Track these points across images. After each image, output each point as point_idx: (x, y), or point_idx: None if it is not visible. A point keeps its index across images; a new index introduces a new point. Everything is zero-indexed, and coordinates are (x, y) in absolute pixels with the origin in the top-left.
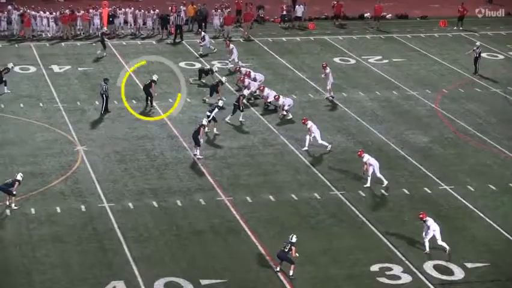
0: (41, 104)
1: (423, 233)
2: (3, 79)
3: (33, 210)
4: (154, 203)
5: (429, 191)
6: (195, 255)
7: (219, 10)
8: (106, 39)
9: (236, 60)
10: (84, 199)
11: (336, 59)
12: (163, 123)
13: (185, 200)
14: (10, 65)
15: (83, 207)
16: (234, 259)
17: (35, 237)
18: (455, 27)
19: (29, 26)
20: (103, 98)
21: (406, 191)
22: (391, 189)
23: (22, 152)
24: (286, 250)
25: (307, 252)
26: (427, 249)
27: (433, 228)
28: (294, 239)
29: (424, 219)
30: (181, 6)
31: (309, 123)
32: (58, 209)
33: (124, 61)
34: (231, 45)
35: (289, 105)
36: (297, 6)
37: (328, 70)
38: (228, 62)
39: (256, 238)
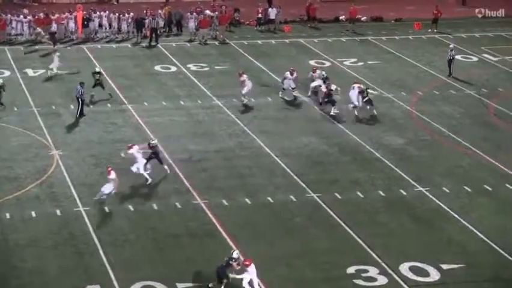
0: (15, 108)
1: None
2: None
3: (8, 215)
4: (130, 207)
5: (404, 193)
6: (171, 258)
7: (194, 13)
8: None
9: (244, 93)
10: (59, 203)
11: (312, 62)
12: (139, 127)
13: (161, 204)
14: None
15: (58, 212)
16: (211, 262)
17: (11, 242)
18: (429, 30)
19: (4, 29)
20: (79, 102)
21: (382, 193)
22: (367, 191)
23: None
24: (224, 265)
25: (283, 254)
26: None
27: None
28: (235, 255)
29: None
30: (159, 10)
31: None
32: (33, 214)
33: (99, 65)
34: (244, 76)
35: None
36: (270, 9)
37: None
38: (243, 99)
39: (233, 241)
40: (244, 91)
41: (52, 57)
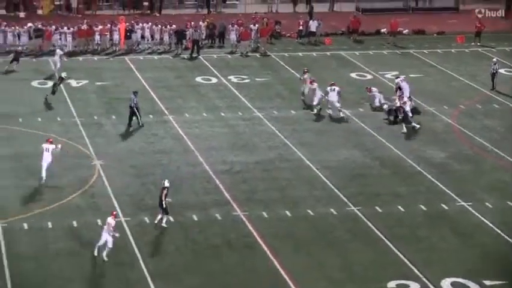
0: (58, 118)
1: None
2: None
3: (50, 224)
4: (170, 218)
5: (446, 207)
6: (210, 270)
7: (236, 25)
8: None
9: (317, 102)
10: (100, 213)
11: (353, 74)
12: (179, 138)
13: (202, 215)
14: (64, 74)
15: (99, 221)
16: (250, 274)
17: (51, 250)
18: (472, 43)
19: (50, 40)
20: (133, 111)
21: (423, 207)
22: (408, 205)
23: (39, 165)
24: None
25: (323, 267)
26: None
27: None
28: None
29: None
30: (200, 22)
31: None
32: (75, 223)
33: (141, 76)
34: (314, 84)
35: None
36: (311, 21)
37: (315, 86)
38: (314, 110)
39: (272, 253)
40: (315, 102)
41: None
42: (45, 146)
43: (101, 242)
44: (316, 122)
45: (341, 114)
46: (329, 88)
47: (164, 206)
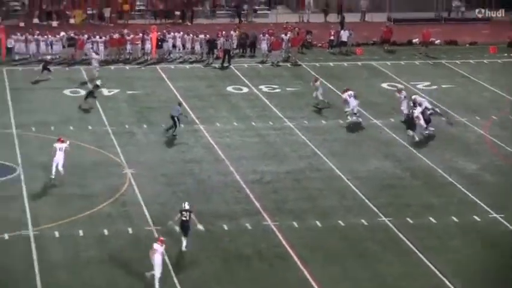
0: (90, 127)
1: None
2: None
3: (81, 232)
4: (201, 227)
5: (478, 219)
6: (240, 280)
7: (267, 35)
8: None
9: (320, 97)
10: (131, 222)
11: (384, 85)
12: (210, 147)
13: (232, 224)
14: (99, 82)
15: (130, 230)
16: (280, 284)
17: (82, 259)
18: (505, 54)
19: (82, 49)
20: (175, 121)
21: (455, 219)
22: (439, 216)
23: (70, 174)
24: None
25: (354, 278)
26: None
27: None
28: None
29: None
30: (231, 31)
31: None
32: (106, 232)
33: (172, 85)
34: (348, 92)
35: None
36: (342, 31)
37: (348, 93)
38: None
39: (303, 264)
40: (348, 108)
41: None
42: (58, 145)
43: (157, 273)
44: (347, 132)
45: (360, 119)
46: (347, 94)
47: (190, 229)
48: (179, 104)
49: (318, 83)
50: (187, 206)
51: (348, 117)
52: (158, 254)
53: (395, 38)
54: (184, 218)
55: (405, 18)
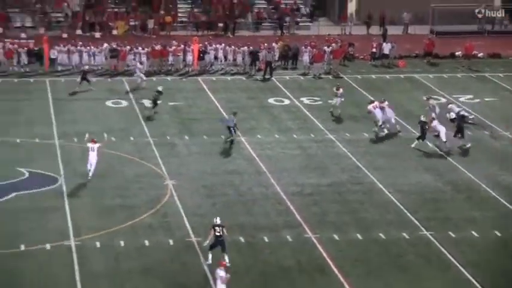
0: (131, 138)
1: None
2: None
3: (122, 243)
4: (241, 239)
5: None
6: None
7: (309, 47)
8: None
9: (337, 106)
10: (172, 233)
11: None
12: (251, 159)
13: (272, 236)
14: (160, 88)
15: (171, 241)
16: None
17: (123, 269)
18: None
19: (125, 60)
20: (230, 131)
21: (498, 233)
22: (482, 230)
23: (112, 184)
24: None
25: None
26: None
27: None
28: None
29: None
30: (273, 43)
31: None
32: (147, 242)
33: (213, 96)
34: (341, 90)
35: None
36: (384, 43)
37: (384, 105)
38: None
39: (343, 277)
40: (383, 118)
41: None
42: (90, 145)
43: None
44: (389, 144)
45: (398, 128)
46: (372, 106)
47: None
48: (234, 114)
49: (340, 91)
50: (218, 221)
51: (375, 128)
52: (220, 283)
53: (438, 50)
54: (217, 233)
55: (448, 31)
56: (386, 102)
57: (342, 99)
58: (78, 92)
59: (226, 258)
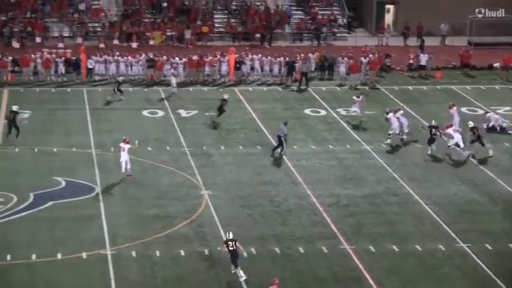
0: (168, 148)
1: None
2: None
3: (157, 253)
4: (277, 249)
5: None
6: None
7: (346, 58)
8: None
9: (358, 111)
10: (208, 243)
11: (464, 109)
12: (287, 170)
13: (308, 247)
14: (226, 96)
15: (206, 251)
16: None
17: (159, 279)
18: None
19: (161, 70)
20: (281, 140)
21: None
22: None
23: (148, 194)
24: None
25: None
26: None
27: None
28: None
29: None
30: (310, 54)
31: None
32: (182, 252)
33: (249, 107)
34: (361, 97)
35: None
36: (421, 55)
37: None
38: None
39: None
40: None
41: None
42: (121, 145)
43: None
44: (425, 156)
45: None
46: (392, 114)
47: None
48: (285, 124)
49: (360, 98)
50: (231, 236)
51: (388, 139)
52: None
53: (476, 62)
54: (231, 248)
55: (486, 42)
56: (401, 111)
57: (358, 110)
58: (113, 101)
59: (241, 272)
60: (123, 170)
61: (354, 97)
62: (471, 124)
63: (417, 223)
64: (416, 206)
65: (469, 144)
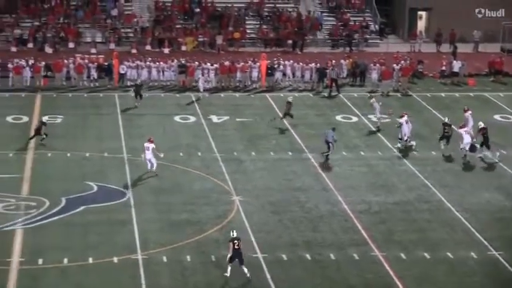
0: (199, 153)
1: None
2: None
3: (188, 258)
4: (308, 256)
5: None
6: None
7: (378, 64)
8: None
9: (378, 115)
10: None
11: (497, 116)
12: (318, 176)
13: (339, 254)
14: (290, 99)
15: None
16: None
17: (190, 284)
18: None
19: (193, 76)
20: (329, 146)
21: None
22: None
23: (179, 200)
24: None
25: None
26: None
27: None
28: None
29: None
30: (341, 60)
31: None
32: (213, 257)
33: (281, 113)
34: (467, 113)
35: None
36: (454, 61)
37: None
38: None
39: None
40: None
41: None
42: (146, 144)
43: None
44: (457, 163)
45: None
46: (404, 119)
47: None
48: (333, 129)
49: (372, 100)
50: (235, 234)
51: (398, 144)
52: None
53: (509, 69)
54: (236, 247)
55: None
56: (406, 117)
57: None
58: (144, 107)
59: (245, 270)
60: (148, 167)
61: (371, 102)
62: (481, 125)
63: (449, 230)
64: (448, 213)
65: (479, 148)
